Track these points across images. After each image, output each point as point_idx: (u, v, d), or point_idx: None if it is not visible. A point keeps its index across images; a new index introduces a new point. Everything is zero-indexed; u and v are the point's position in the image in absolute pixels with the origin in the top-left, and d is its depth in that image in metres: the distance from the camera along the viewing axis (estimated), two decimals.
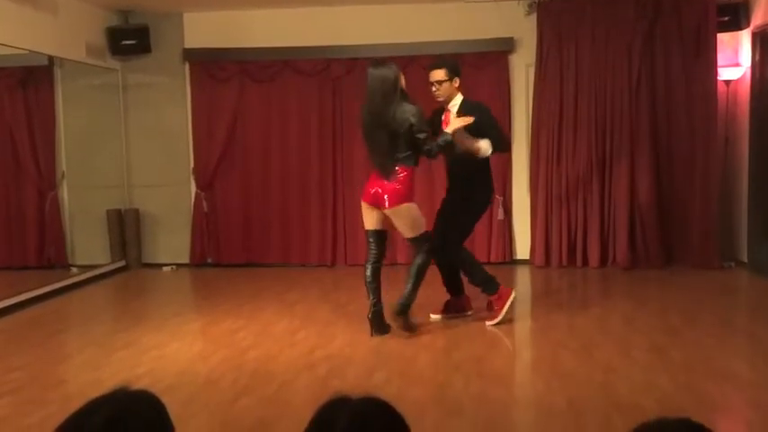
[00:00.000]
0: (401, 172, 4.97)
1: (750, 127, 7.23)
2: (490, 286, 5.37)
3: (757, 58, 7.12)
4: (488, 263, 7.77)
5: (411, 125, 4.85)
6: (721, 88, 7.43)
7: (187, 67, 8.09)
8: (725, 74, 7.42)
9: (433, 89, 5.22)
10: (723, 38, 7.34)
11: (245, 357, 4.70)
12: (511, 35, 7.70)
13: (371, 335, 5.11)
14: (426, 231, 5.14)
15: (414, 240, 5.12)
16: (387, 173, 4.96)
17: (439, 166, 6.44)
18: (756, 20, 7.12)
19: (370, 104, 4.96)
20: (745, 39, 7.33)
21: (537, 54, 7.60)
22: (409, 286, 5.11)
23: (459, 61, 5.56)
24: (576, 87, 7.55)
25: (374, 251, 5.20)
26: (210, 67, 8.02)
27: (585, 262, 7.60)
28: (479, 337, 5.11)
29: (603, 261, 7.58)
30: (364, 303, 5.68)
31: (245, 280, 7.38)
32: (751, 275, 7.10)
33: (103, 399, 1.31)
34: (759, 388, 4.08)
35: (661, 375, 4.18)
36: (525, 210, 7.86)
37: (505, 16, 7.66)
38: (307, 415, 1.36)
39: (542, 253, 7.68)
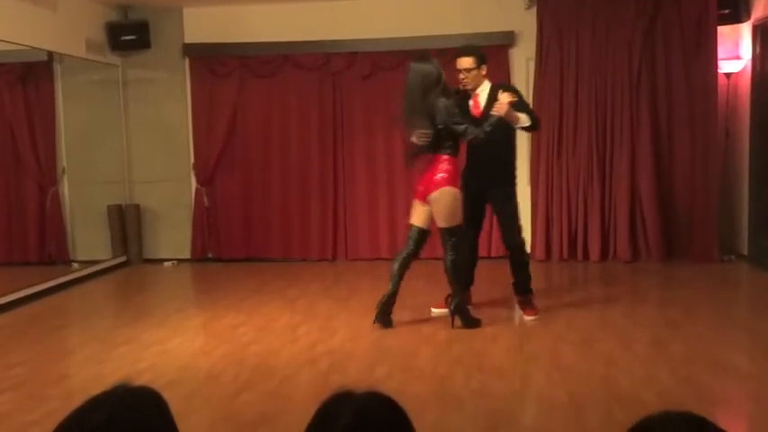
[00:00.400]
0: (444, 161, 5.04)
1: (751, 120, 7.23)
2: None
3: (758, 50, 7.11)
4: (489, 257, 7.79)
5: (449, 115, 4.93)
6: (722, 81, 7.42)
7: (187, 62, 8.08)
8: (725, 67, 7.41)
9: (461, 77, 5.20)
10: (723, 31, 7.33)
11: (247, 352, 4.71)
12: (511, 29, 7.69)
13: (373, 322, 5.13)
14: (460, 226, 5.12)
15: (445, 231, 5.08)
16: (412, 163, 5.14)
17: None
18: (757, 12, 7.11)
19: (409, 99, 4.99)
20: (745, 31, 7.31)
21: (537, 48, 7.59)
22: (454, 286, 5.14)
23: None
24: (576, 81, 7.54)
25: (411, 248, 5.22)
26: (210, 62, 8.02)
27: (586, 256, 7.61)
28: (480, 331, 5.11)
29: (604, 255, 7.58)
30: (365, 298, 5.70)
31: (246, 275, 7.39)
32: (751, 268, 7.11)
33: (104, 395, 1.31)
34: (759, 381, 4.09)
35: (662, 369, 4.19)
36: (526, 204, 7.83)
37: (506, 10, 7.65)
38: (308, 410, 1.36)
39: (543, 247, 7.68)
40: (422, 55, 5.26)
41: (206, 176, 8.13)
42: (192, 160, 8.17)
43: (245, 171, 8.12)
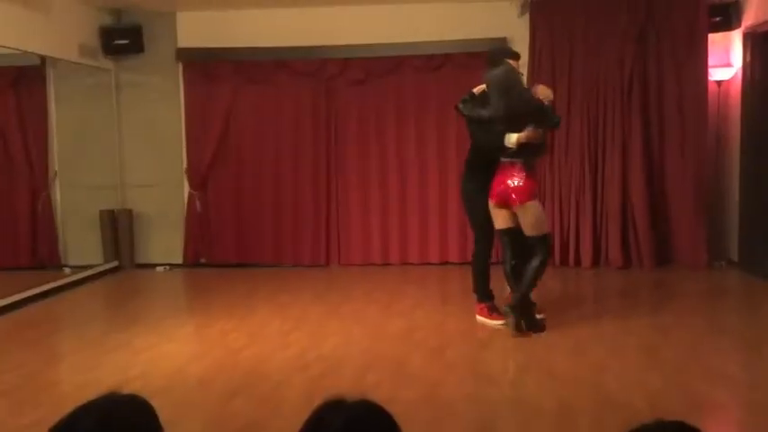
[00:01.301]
0: (522, 167, 5.01)
1: (741, 127, 7.27)
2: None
3: (748, 58, 7.16)
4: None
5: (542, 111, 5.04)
6: (713, 88, 7.47)
7: (180, 66, 8.08)
8: (716, 74, 7.45)
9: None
10: (714, 38, 7.37)
11: (238, 358, 4.70)
12: (504, 35, 7.71)
13: (519, 331, 5.03)
14: (548, 232, 5.17)
15: (533, 239, 5.05)
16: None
17: None
18: (748, 20, 7.16)
19: (512, 97, 4.95)
20: (736, 39, 7.36)
21: (530, 54, 7.61)
22: (524, 286, 5.06)
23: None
24: (568, 88, 7.57)
25: (508, 252, 5.20)
26: (204, 66, 8.01)
27: (578, 262, 7.63)
28: (472, 337, 5.12)
29: (596, 261, 7.60)
30: (357, 304, 5.70)
31: (239, 280, 7.38)
32: (742, 275, 7.14)
33: (92, 404, 1.31)
34: (750, 387, 4.11)
35: (652, 375, 4.21)
36: None
37: (498, 16, 7.68)
38: (300, 416, 1.37)
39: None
40: (501, 54, 5.31)
41: (199, 181, 8.12)
42: (185, 165, 8.15)
43: (238, 176, 8.11)
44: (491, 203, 5.14)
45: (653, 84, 7.53)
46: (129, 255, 8.12)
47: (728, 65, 7.44)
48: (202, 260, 8.18)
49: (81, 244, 8.02)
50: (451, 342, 5.01)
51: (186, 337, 5.49)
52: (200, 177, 8.11)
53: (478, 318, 5.38)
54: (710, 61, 7.37)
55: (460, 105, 5.19)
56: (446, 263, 7.87)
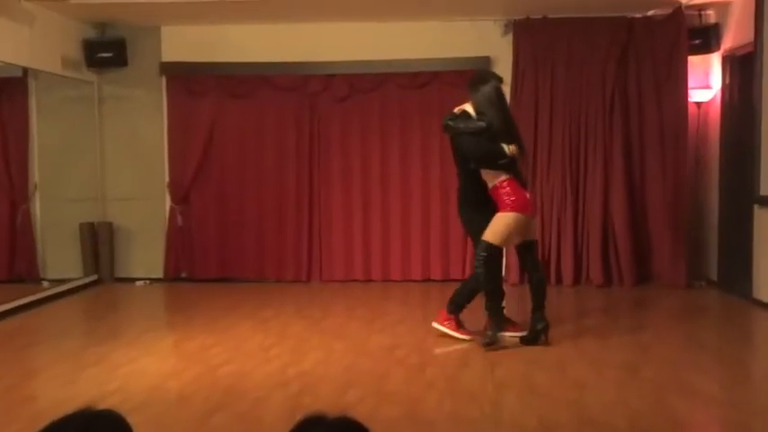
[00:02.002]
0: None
1: (720, 148, 7.36)
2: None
3: (727, 80, 7.26)
4: (464, 280, 7.79)
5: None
6: (692, 110, 7.56)
7: (164, 80, 8.07)
8: (696, 96, 7.55)
9: None
10: (694, 60, 7.48)
11: (218, 374, 4.67)
12: (487, 54, 7.78)
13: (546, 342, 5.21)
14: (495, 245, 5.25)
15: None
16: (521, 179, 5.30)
17: None
18: (726, 43, 7.27)
19: (506, 111, 5.30)
20: (715, 61, 7.47)
21: (512, 73, 7.69)
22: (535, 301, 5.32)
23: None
24: (550, 107, 7.64)
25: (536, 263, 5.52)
26: (187, 80, 8.00)
27: (559, 280, 7.66)
28: (453, 354, 5.12)
29: (577, 279, 7.64)
30: (338, 320, 5.69)
31: (220, 295, 7.34)
32: (721, 294, 7.20)
33: (68, 418, 1.30)
34: (728, 406, 4.14)
35: (632, 393, 4.22)
36: None
37: (482, 35, 7.75)
38: None
39: (517, 271, 7.71)
40: (482, 75, 5.48)
41: (181, 195, 8.08)
42: (167, 179, 8.12)
43: (221, 191, 8.09)
44: (527, 217, 5.20)
45: (634, 104, 7.62)
46: (108, 268, 8.05)
47: (708, 87, 7.55)
48: (183, 275, 8.13)
49: (60, 257, 7.95)
50: (433, 359, 5.00)
51: (166, 352, 5.44)
52: (182, 191, 8.07)
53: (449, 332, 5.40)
54: (690, 83, 7.47)
55: (450, 123, 5.25)
56: (428, 280, 7.88)
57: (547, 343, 5.19)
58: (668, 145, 7.53)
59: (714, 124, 7.51)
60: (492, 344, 5.13)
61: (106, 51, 7.79)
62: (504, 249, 5.37)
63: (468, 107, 5.24)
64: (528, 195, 5.25)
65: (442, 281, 7.80)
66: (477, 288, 5.34)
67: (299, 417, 1.39)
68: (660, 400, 4.11)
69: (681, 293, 7.20)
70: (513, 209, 5.08)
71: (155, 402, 4.16)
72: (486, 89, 5.18)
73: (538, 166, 7.69)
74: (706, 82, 7.58)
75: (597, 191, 7.58)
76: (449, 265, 7.92)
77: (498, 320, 5.24)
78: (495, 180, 5.13)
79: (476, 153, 5.21)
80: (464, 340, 5.31)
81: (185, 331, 5.88)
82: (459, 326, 5.40)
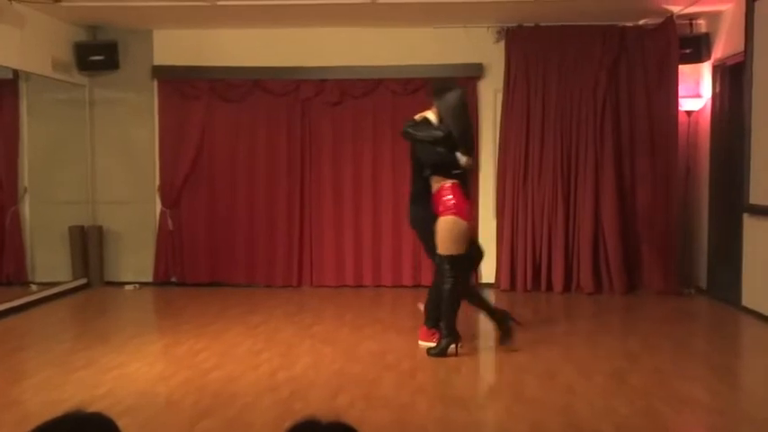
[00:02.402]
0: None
1: (710, 156, 7.40)
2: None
3: (718, 89, 7.31)
4: (429, 289, 7.80)
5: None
6: (683, 119, 7.60)
7: (155, 84, 8.05)
8: (686, 104, 7.59)
9: None
10: (685, 70, 7.52)
11: (207, 379, 4.65)
12: (480, 61, 7.81)
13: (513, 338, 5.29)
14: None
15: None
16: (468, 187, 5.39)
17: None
18: (717, 53, 7.32)
19: (466, 120, 5.34)
20: (706, 71, 7.52)
21: (505, 80, 7.71)
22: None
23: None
24: (542, 114, 7.66)
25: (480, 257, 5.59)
26: (179, 84, 7.99)
27: (550, 287, 7.68)
28: (443, 360, 5.11)
29: (567, 286, 7.66)
30: (328, 325, 5.68)
31: (209, 300, 7.31)
32: (710, 302, 7.23)
33: (56, 421, 1.29)
34: (716, 413, 4.15)
35: (621, 400, 4.23)
36: (491, 234, 7.92)
37: (475, 42, 7.77)
38: None
39: (508, 277, 7.74)
40: (447, 84, 5.50)
41: (171, 199, 8.06)
42: (158, 182, 8.10)
43: (211, 195, 8.07)
44: (468, 224, 5.23)
45: (625, 112, 7.66)
46: (98, 272, 8.02)
47: (698, 96, 7.59)
48: (173, 279, 8.10)
49: (49, 260, 7.91)
50: (423, 365, 5.00)
51: (155, 356, 5.42)
52: (172, 195, 8.05)
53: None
54: (681, 92, 7.51)
55: (410, 129, 5.28)
56: (419, 285, 7.87)
57: (456, 354, 5.15)
58: (659, 153, 7.57)
59: (704, 133, 7.55)
60: (440, 353, 5.13)
61: (98, 54, 7.76)
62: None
63: (430, 114, 5.29)
64: (468, 203, 5.29)
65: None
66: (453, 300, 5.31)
67: (288, 422, 1.39)
68: (649, 407, 4.12)
69: (670, 301, 7.23)
70: (453, 212, 5.10)
71: (143, 407, 4.14)
72: (450, 98, 5.20)
73: (529, 174, 7.71)
74: (696, 91, 7.62)
75: (588, 198, 7.61)
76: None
77: (452, 328, 5.19)
78: (440, 184, 5.20)
79: (430, 161, 5.25)
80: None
81: (174, 336, 5.85)
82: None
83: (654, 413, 4.03)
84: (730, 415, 4.11)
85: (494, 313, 5.41)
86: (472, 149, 5.32)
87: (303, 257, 8.04)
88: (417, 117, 5.34)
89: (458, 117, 5.19)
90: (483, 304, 5.48)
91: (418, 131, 5.24)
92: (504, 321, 5.33)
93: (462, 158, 5.18)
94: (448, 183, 5.16)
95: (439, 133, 5.15)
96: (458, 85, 5.42)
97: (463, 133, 5.20)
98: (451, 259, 5.11)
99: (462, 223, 5.13)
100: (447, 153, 5.15)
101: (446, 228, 5.11)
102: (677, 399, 4.28)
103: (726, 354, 5.56)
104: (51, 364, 5.06)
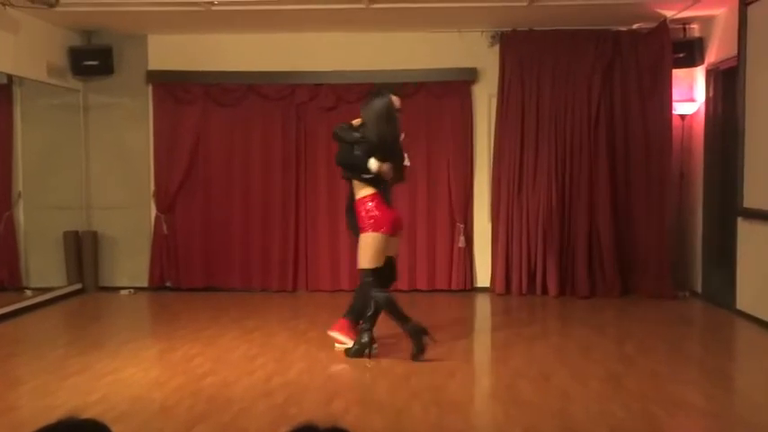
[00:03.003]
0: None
1: (704, 160, 7.43)
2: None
3: (711, 93, 7.34)
4: (449, 290, 7.82)
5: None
6: (677, 123, 7.63)
7: (150, 88, 8.04)
8: (680, 108, 7.62)
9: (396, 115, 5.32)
10: (678, 74, 7.55)
11: (202, 384, 4.64)
12: (474, 65, 7.83)
13: (425, 348, 5.16)
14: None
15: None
16: (388, 197, 5.32)
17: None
18: (710, 57, 7.35)
19: (392, 128, 5.24)
20: (699, 75, 7.55)
21: (499, 85, 7.73)
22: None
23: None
24: (536, 118, 7.68)
25: (393, 278, 5.46)
26: (174, 89, 7.98)
27: (545, 290, 7.68)
28: (438, 364, 5.11)
29: (562, 290, 7.67)
30: (324, 330, 5.66)
31: (204, 305, 7.30)
32: (704, 305, 7.25)
33: (50, 428, 1.29)
34: (711, 417, 4.16)
35: (616, 404, 4.23)
36: (486, 238, 7.93)
37: (469, 47, 7.79)
38: None
39: (502, 281, 7.75)
40: (382, 89, 5.44)
41: (166, 204, 8.05)
42: (153, 187, 8.09)
43: (206, 200, 8.06)
44: (386, 235, 5.20)
45: (619, 116, 7.68)
46: (92, 277, 8.00)
47: (692, 100, 7.62)
48: (168, 284, 8.08)
49: (44, 266, 7.88)
50: (417, 370, 4.99)
51: (149, 361, 5.40)
52: (167, 200, 8.04)
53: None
54: (674, 96, 7.54)
55: (337, 130, 5.36)
56: (414, 290, 7.87)
57: (370, 357, 5.18)
58: (653, 157, 7.59)
59: (698, 137, 7.57)
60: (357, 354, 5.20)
61: (92, 59, 7.76)
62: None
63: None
64: (390, 214, 5.24)
65: (429, 291, 7.80)
66: (377, 310, 5.33)
67: (283, 427, 1.39)
68: (644, 410, 4.12)
69: (665, 305, 7.24)
70: (372, 228, 5.13)
71: (138, 412, 4.13)
72: (377, 103, 5.22)
73: (523, 178, 7.72)
74: (690, 95, 7.65)
75: (582, 202, 7.62)
76: (434, 275, 7.92)
77: (368, 329, 5.26)
78: (361, 193, 5.21)
79: (342, 162, 5.33)
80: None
81: (169, 341, 5.84)
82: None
83: (649, 417, 4.03)
84: (725, 418, 4.12)
85: (407, 326, 5.25)
86: (395, 159, 5.20)
87: (298, 262, 8.03)
88: (354, 122, 5.37)
89: (378, 123, 5.18)
90: (399, 315, 5.34)
91: (341, 133, 5.30)
92: (417, 336, 5.18)
93: (374, 164, 5.12)
94: (369, 192, 5.17)
95: (356, 135, 5.20)
96: (390, 93, 5.33)
97: (381, 139, 5.15)
98: (374, 272, 5.17)
99: (380, 237, 5.17)
100: (360, 156, 5.16)
101: (367, 243, 5.16)
102: (672, 402, 4.28)
103: (720, 357, 5.57)
104: (45, 369, 5.04)
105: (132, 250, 8.10)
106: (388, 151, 5.17)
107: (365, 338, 5.23)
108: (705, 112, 7.41)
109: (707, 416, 4.18)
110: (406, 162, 5.37)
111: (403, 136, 5.38)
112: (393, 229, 5.24)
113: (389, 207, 5.27)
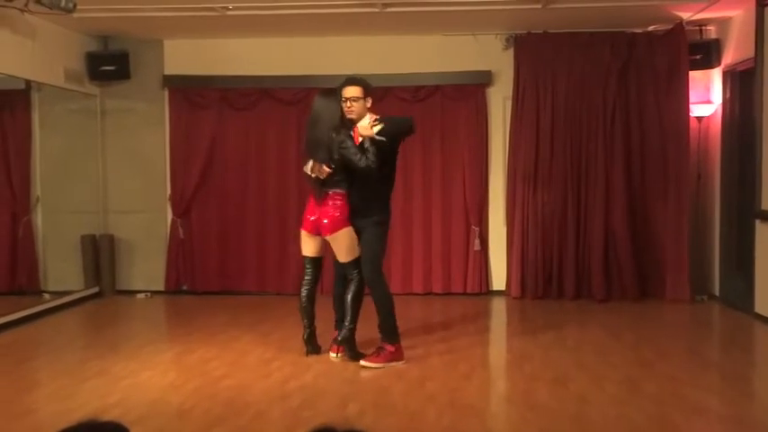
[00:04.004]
0: (337, 197, 5.16)
1: (721, 162, 7.37)
2: (393, 337, 5.26)
3: (728, 95, 7.28)
4: (464, 293, 7.81)
5: (341, 148, 5.03)
6: (693, 125, 7.57)
7: (166, 93, 8.09)
8: (697, 110, 7.57)
9: (347, 105, 5.16)
10: (695, 75, 7.50)
11: (218, 387, 4.66)
12: (489, 68, 7.81)
13: (306, 354, 5.32)
14: (357, 258, 5.23)
15: (348, 265, 5.24)
16: (320, 197, 5.19)
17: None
18: (727, 58, 7.29)
19: (315, 131, 5.16)
20: (716, 76, 7.49)
21: (514, 87, 7.71)
22: (349, 316, 5.24)
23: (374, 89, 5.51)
24: (552, 121, 7.65)
25: (309, 276, 5.50)
26: (190, 93, 8.03)
27: (561, 293, 7.65)
28: (453, 367, 5.11)
29: (578, 293, 7.63)
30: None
31: (220, 308, 7.33)
32: (723, 309, 7.19)
33: (72, 429, 1.30)
34: (730, 421, 4.12)
35: (633, 408, 4.21)
36: (501, 241, 7.91)
37: (484, 49, 7.78)
38: None
39: (518, 284, 7.72)
40: (326, 90, 5.39)
41: (182, 208, 8.09)
42: (169, 191, 8.13)
43: (222, 204, 8.09)
44: (303, 232, 5.37)
45: (635, 119, 7.64)
46: (109, 281, 8.05)
47: (709, 102, 7.56)
48: (184, 287, 8.12)
49: (61, 269, 7.94)
50: (433, 373, 4.99)
51: (166, 365, 5.43)
52: (183, 204, 8.08)
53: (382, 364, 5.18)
54: (691, 98, 7.48)
55: None
56: (430, 293, 7.86)
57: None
58: (669, 159, 7.54)
59: (715, 139, 7.52)
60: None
61: (109, 64, 7.82)
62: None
63: None
64: (308, 213, 5.29)
65: (444, 294, 7.79)
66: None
67: (300, 431, 1.39)
68: (662, 415, 4.09)
69: (683, 308, 7.18)
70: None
71: (155, 415, 4.15)
72: (314, 104, 5.25)
73: (539, 180, 7.69)
74: (707, 97, 7.60)
75: (599, 205, 7.58)
76: (450, 278, 7.91)
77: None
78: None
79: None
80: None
81: (186, 344, 5.87)
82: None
83: (667, 421, 4.00)
84: (745, 423, 4.08)
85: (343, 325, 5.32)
86: (316, 154, 5.11)
87: None
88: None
89: (310, 125, 5.22)
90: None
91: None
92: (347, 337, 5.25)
93: (306, 166, 5.20)
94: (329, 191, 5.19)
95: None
96: (326, 94, 5.26)
97: (308, 142, 5.21)
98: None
99: (301, 234, 5.40)
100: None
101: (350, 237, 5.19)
102: (690, 407, 4.25)
103: (739, 361, 5.52)
104: (63, 372, 5.08)
105: (148, 254, 8.14)
106: (309, 149, 5.17)
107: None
108: (722, 114, 7.36)
109: (725, 420, 4.15)
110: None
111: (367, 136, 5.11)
112: (307, 229, 5.33)
113: (314, 205, 5.25)
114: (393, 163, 5.28)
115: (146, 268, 8.15)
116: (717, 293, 7.46)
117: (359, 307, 5.31)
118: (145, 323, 7.22)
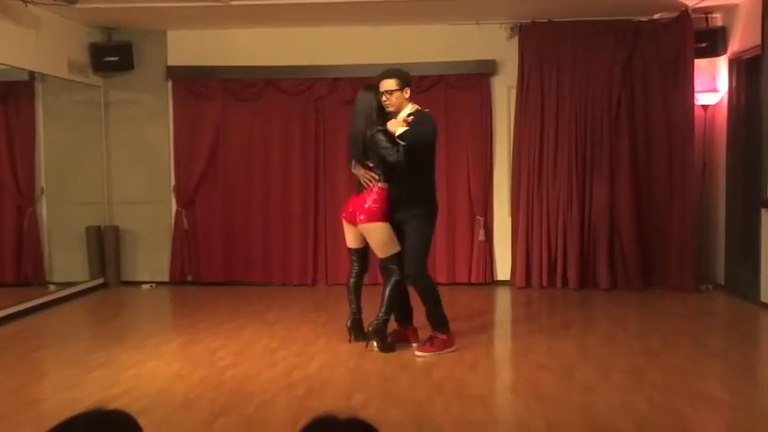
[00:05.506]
0: (375, 190, 5.14)
1: (727, 151, 7.34)
2: (443, 326, 5.27)
3: (734, 83, 7.24)
4: (469, 283, 7.81)
5: (373, 142, 5.05)
6: (699, 113, 7.54)
7: (170, 84, 8.08)
8: (703, 99, 7.53)
9: (384, 98, 5.14)
10: (701, 63, 7.46)
11: (224, 377, 4.67)
12: (493, 58, 7.78)
13: (350, 341, 5.33)
14: (398, 253, 5.18)
15: (384, 261, 5.21)
16: (359, 190, 5.25)
17: None
18: (733, 46, 7.25)
19: (352, 126, 5.25)
20: (722, 65, 7.45)
21: (518, 77, 7.68)
22: (383, 308, 5.23)
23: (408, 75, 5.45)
24: (556, 110, 7.62)
25: (356, 267, 5.46)
26: (193, 84, 8.02)
27: (565, 283, 7.64)
28: (459, 358, 5.11)
29: (583, 282, 7.62)
30: (344, 323, 5.67)
31: (225, 299, 7.34)
32: (728, 298, 7.18)
33: (79, 418, 1.30)
34: (735, 410, 4.12)
35: (639, 397, 4.20)
36: (506, 231, 7.90)
37: (488, 39, 7.74)
38: None
39: (523, 274, 7.72)
40: (368, 85, 5.35)
41: (186, 199, 8.10)
42: (173, 182, 8.14)
43: (226, 194, 8.09)
44: (343, 221, 5.40)
45: (640, 107, 7.60)
46: (114, 272, 8.06)
47: (714, 90, 7.52)
48: (189, 278, 8.13)
49: (66, 261, 7.96)
50: (439, 363, 4.99)
51: (171, 355, 5.44)
52: (188, 195, 8.08)
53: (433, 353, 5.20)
54: (697, 86, 7.44)
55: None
56: (437, 284, 7.84)
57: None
58: (675, 148, 7.51)
59: (721, 127, 7.48)
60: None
61: (112, 55, 7.81)
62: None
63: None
64: (349, 203, 5.36)
65: (449, 284, 7.79)
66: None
67: (305, 420, 1.39)
68: (668, 404, 4.09)
69: (688, 297, 7.17)
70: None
71: (161, 405, 4.16)
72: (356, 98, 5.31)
73: (544, 170, 7.67)
74: (713, 85, 7.56)
75: (603, 194, 7.56)
76: (455, 268, 7.91)
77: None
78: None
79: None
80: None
81: (191, 334, 5.88)
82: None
83: (673, 410, 4.00)
84: (750, 412, 4.07)
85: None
86: (350, 154, 5.26)
87: (318, 256, 8.05)
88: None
89: (354, 118, 5.26)
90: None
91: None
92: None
93: (356, 167, 5.25)
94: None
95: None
96: (367, 88, 5.25)
97: (350, 134, 5.26)
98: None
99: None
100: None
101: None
102: (696, 396, 4.24)
103: (744, 350, 5.51)
104: (69, 363, 5.10)
105: (153, 245, 8.16)
106: (350, 147, 5.23)
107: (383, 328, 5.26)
108: (728, 103, 7.32)
109: (731, 409, 4.14)
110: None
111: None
112: (345, 217, 5.35)
113: (352, 196, 5.37)
114: (426, 159, 5.20)
115: (150, 259, 8.16)
116: (722, 282, 7.44)
117: (394, 301, 5.26)
118: (150, 314, 7.23)
